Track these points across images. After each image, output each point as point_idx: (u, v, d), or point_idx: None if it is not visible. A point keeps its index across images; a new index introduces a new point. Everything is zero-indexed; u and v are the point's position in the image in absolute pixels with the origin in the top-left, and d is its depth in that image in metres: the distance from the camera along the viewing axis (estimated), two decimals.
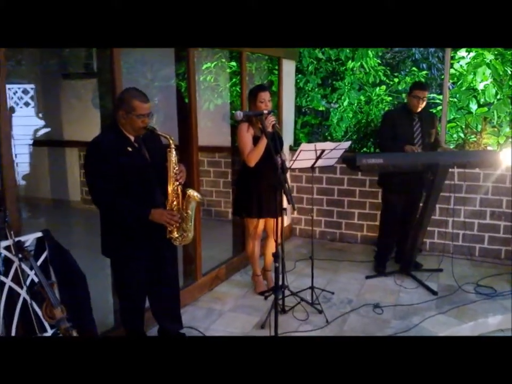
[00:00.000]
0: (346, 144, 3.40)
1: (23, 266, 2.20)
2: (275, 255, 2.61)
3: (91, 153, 2.42)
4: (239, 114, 2.49)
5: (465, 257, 4.56)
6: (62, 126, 6.38)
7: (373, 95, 6.71)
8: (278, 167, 2.63)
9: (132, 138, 2.50)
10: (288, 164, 3.38)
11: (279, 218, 2.90)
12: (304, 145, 3.19)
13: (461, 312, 3.45)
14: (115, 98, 2.62)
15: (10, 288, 2.18)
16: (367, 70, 6.64)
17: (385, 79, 6.83)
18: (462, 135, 4.86)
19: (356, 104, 6.75)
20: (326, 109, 6.94)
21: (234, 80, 6.01)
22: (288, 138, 5.07)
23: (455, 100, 5.57)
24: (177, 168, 2.51)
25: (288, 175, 5.14)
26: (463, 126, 4.87)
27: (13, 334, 2.19)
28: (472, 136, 4.69)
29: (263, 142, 3.35)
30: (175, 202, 2.53)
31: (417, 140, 3.98)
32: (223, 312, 3.52)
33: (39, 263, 2.29)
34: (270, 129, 3.31)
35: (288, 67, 4.93)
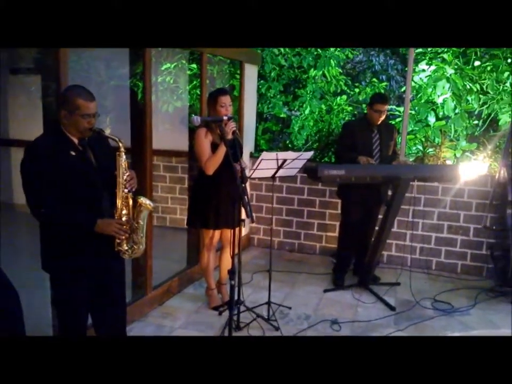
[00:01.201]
0: (308, 154, 3.28)
1: None
2: (231, 272, 2.43)
3: (28, 157, 2.16)
4: (196, 119, 2.30)
5: (422, 271, 4.55)
6: (8, 123, 5.97)
7: (334, 104, 6.69)
8: (237, 176, 2.45)
9: (76, 140, 2.25)
10: (248, 173, 3.21)
11: (237, 231, 2.73)
12: (265, 154, 3.04)
13: (419, 329, 3.39)
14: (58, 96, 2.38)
15: None
16: (329, 79, 6.62)
17: (346, 88, 6.82)
18: (421, 147, 4.86)
19: (317, 113, 6.71)
20: (288, 116, 6.86)
21: (194, 82, 5.81)
22: (249, 145, 4.92)
23: (414, 112, 5.61)
24: (127, 174, 2.29)
25: (248, 183, 4.99)
26: (423, 139, 4.87)
27: None
28: (431, 150, 4.69)
29: (222, 150, 3.18)
30: (124, 211, 2.30)
31: (375, 152, 3.92)
32: (173, 329, 3.30)
33: None
34: (230, 136, 3.15)
35: (250, 72, 4.79)
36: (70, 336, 2.53)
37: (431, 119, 5.47)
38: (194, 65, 5.83)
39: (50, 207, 2.18)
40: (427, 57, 5.60)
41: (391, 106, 6.12)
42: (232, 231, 2.80)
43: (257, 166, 3.07)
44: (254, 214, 4.94)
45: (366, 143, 3.92)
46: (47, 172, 2.14)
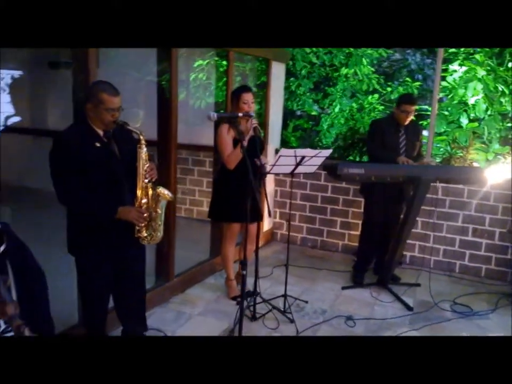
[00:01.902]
0: (327, 152, 3.32)
1: None
2: (242, 263, 2.52)
3: (55, 148, 2.32)
4: (213, 115, 2.40)
5: (444, 273, 4.52)
6: (47, 115, 6.26)
7: (365, 103, 6.67)
8: (250, 172, 2.54)
9: (101, 133, 2.40)
10: (267, 169, 3.29)
11: (251, 225, 2.82)
12: (283, 151, 3.11)
13: (434, 330, 3.39)
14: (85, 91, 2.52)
15: None
16: (361, 78, 6.60)
17: (378, 87, 6.79)
18: (449, 148, 4.81)
19: (347, 111, 6.70)
20: (319, 114, 6.88)
21: (225, 79, 5.92)
22: (274, 142, 5.00)
23: (446, 113, 5.54)
24: (147, 165, 2.42)
25: (271, 179, 5.07)
26: (450, 140, 4.82)
27: None
28: (459, 151, 4.64)
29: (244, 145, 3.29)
30: (144, 200, 2.44)
31: (401, 152, 3.92)
32: (192, 316, 3.43)
33: None
34: (250, 132, 3.26)
35: (278, 69, 4.85)
36: (92, 316, 2.70)
37: (464, 121, 5.40)
38: (225, 62, 5.94)
39: (74, 195, 2.33)
40: (460, 58, 5.52)
41: (425, 106, 6.05)
42: (247, 225, 2.88)
43: (276, 162, 3.14)
44: (277, 210, 5.07)
45: (393, 142, 3.92)
46: (73, 161, 2.30)
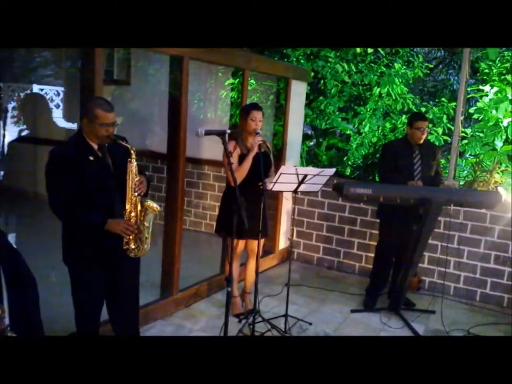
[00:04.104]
0: (331, 171, 3.29)
1: None
2: (227, 279, 2.52)
3: (50, 161, 2.42)
4: (200, 131, 2.44)
5: (464, 301, 4.31)
6: None
7: (398, 122, 6.54)
8: (236, 187, 2.55)
9: (95, 146, 2.49)
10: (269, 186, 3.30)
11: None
12: (283, 168, 3.11)
13: None
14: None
15: None
16: (394, 97, 6.50)
17: (413, 107, 6.66)
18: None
19: (380, 131, 6.62)
20: (354, 133, 6.81)
21: (253, 97, 6.01)
22: (293, 159, 4.98)
23: (482, 135, 5.34)
24: (137, 179, 2.49)
25: (290, 197, 5.05)
26: (474, 163, 4.64)
27: None
28: (483, 174, 4.45)
29: (247, 163, 3.34)
30: (133, 213, 2.51)
31: (417, 172, 3.83)
32: (192, 331, 3.45)
33: None
34: (256, 149, 3.29)
35: (298, 88, 4.87)
36: (84, 324, 2.76)
37: (498, 143, 5.19)
38: (253, 81, 6.04)
39: (66, 207, 2.42)
40: (492, 78, 5.33)
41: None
42: (233, 241, 2.85)
43: (277, 179, 3.15)
44: (294, 228, 5.02)
45: (407, 163, 3.84)
46: (67, 174, 2.39)
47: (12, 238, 2.52)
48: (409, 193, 3.55)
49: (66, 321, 2.96)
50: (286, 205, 4.98)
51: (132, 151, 2.47)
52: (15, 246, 2.45)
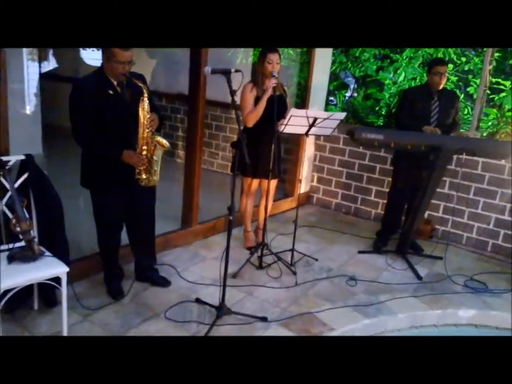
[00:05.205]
0: (340, 115, 3.39)
1: (3, 182, 2.56)
2: (229, 208, 2.76)
3: (73, 93, 2.69)
4: (207, 70, 2.60)
5: (475, 251, 4.40)
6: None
7: None
8: (240, 124, 2.73)
9: (115, 82, 2.73)
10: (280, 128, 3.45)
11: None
12: (293, 111, 3.25)
13: (434, 300, 3.41)
14: None
15: None
16: None
17: (454, 57, 6.44)
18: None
19: (417, 80, 6.49)
20: (391, 81, 6.71)
21: None
22: (317, 104, 5.06)
23: None
24: (148, 116, 2.73)
25: (312, 143, 5.17)
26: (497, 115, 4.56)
27: None
28: (506, 126, 4.39)
29: (262, 104, 3.48)
30: (144, 147, 2.76)
31: (433, 119, 3.85)
32: (206, 258, 3.77)
33: (19, 182, 2.64)
34: (270, 91, 3.44)
35: None
36: (106, 245, 3.11)
37: None
38: None
39: (86, 135, 2.70)
40: None
41: (497, 79, 5.70)
42: (234, 177, 2.95)
43: (288, 122, 3.30)
44: (315, 174, 5.18)
45: (424, 109, 3.87)
46: (87, 104, 2.66)
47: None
48: (420, 140, 3.61)
49: (93, 243, 3.32)
50: (308, 151, 5.12)
51: (144, 89, 2.69)
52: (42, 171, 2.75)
